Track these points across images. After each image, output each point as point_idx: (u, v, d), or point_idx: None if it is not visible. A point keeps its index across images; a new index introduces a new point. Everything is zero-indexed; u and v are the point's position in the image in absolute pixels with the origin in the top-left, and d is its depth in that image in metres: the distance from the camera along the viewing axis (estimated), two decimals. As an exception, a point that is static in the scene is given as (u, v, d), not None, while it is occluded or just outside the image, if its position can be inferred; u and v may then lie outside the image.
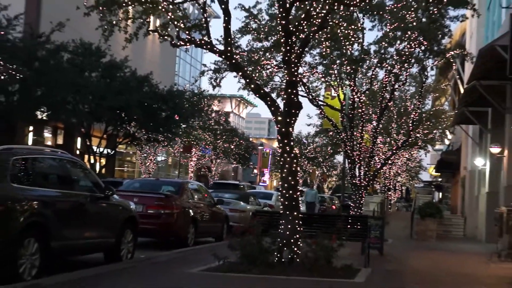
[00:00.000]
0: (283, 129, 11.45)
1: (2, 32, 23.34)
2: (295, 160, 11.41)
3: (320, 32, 14.29)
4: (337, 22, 16.52)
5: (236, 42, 19.45)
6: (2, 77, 21.01)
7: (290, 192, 11.24)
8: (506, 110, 19.27)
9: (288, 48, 11.45)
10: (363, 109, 22.77)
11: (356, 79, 21.57)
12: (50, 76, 24.18)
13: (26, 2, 30.38)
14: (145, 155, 43.41)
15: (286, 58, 11.55)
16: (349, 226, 14.08)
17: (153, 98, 29.29)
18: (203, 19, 12.14)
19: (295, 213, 11.21)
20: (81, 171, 11.27)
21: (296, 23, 11.71)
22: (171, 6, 12.10)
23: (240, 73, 12.79)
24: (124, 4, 11.99)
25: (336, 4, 11.64)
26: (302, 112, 11.94)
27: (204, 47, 12.07)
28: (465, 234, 26.65)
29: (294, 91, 11.65)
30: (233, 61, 12.05)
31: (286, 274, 10.30)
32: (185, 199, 16.48)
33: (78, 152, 33.34)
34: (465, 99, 22.20)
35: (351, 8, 14.31)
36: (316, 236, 11.27)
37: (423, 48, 19.02)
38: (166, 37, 12.34)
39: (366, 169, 22.36)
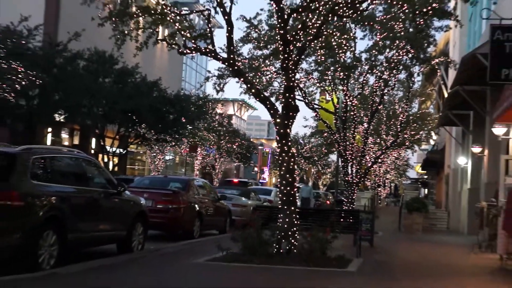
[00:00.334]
0: (282, 131, 11.44)
1: (23, 42, 23.33)
2: (292, 159, 11.40)
3: (315, 41, 14.24)
4: (331, 32, 16.51)
5: (238, 50, 19.42)
6: (23, 83, 20.98)
7: (288, 188, 11.23)
8: (486, 113, 19.25)
9: (286, 55, 11.44)
10: (355, 112, 22.75)
11: (349, 84, 21.54)
12: (67, 81, 24.16)
13: (45, 14, 30.36)
14: (154, 154, 43.38)
15: (284, 65, 11.54)
16: (342, 220, 14.08)
17: (162, 102, 29.26)
18: (208, 29, 12.14)
19: (293, 208, 11.20)
20: (95, 169, 11.27)
21: (293, 33, 11.69)
22: (178, 17, 12.09)
23: (241, 79, 12.78)
24: (135, 15, 11.99)
25: (330, 15, 11.62)
26: (299, 114, 11.91)
27: (209, 55, 12.05)
28: (449, 227, 26.64)
29: (292, 95, 11.64)
30: (235, 67, 12.03)
31: (284, 264, 10.29)
32: (191, 195, 16.47)
33: (92, 151, 33.30)
34: (448, 103, 22.19)
35: (344, 19, 14.30)
36: (312, 229, 11.26)
37: (410, 56, 19.00)
38: (173, 46, 12.32)
39: (358, 167, 22.32)
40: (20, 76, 20.64)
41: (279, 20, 11.43)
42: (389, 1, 11.65)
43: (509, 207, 11.76)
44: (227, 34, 11.69)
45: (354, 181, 21.73)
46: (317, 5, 11.46)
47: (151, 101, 27.93)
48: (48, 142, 30.13)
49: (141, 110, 27.13)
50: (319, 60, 19.82)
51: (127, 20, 11.97)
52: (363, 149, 22.93)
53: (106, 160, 30.00)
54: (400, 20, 16.54)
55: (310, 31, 11.81)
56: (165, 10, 11.86)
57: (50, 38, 26.42)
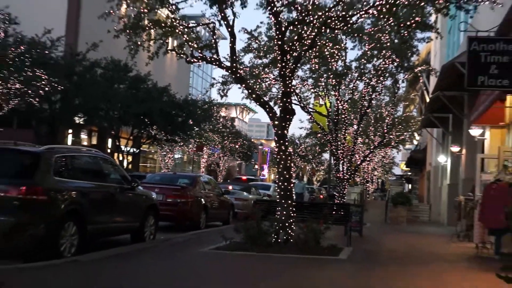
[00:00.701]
0: (279, 132, 11.44)
1: (47, 52, 23.35)
2: (289, 158, 11.40)
3: (310, 51, 14.25)
4: (324, 42, 16.48)
5: (240, 59, 19.36)
6: (46, 89, 21.00)
7: (285, 184, 11.23)
8: (464, 116, 19.27)
9: (283, 64, 11.44)
10: (346, 115, 22.72)
11: (340, 90, 21.51)
12: (86, 88, 24.21)
13: (66, 27, 30.36)
14: (164, 153, 43.34)
15: (282, 72, 11.54)
16: (334, 212, 14.04)
17: (171, 106, 29.26)
18: (213, 40, 12.13)
19: (289, 202, 11.20)
20: (111, 167, 11.27)
21: (290, 44, 11.70)
22: (186, 29, 12.08)
23: (243, 85, 12.78)
24: (147, 28, 11.99)
25: (323, 28, 11.62)
26: (295, 117, 11.91)
27: (214, 63, 12.05)
28: (430, 219, 26.65)
29: (288, 100, 11.64)
30: (238, 75, 12.03)
31: (282, 252, 10.30)
32: (198, 190, 16.47)
33: (109, 150, 33.28)
34: (430, 107, 22.20)
35: (336, 31, 14.28)
36: (307, 221, 11.26)
37: (395, 64, 19.00)
38: (182, 55, 12.31)
39: (348, 164, 22.31)
40: (43, 83, 20.66)
41: (277, 32, 11.43)
42: (376, 15, 11.63)
43: (484, 201, 11.78)
44: (230, 45, 11.69)
45: (345, 177, 21.72)
46: (312, 19, 11.47)
47: (162, 105, 27.96)
48: (69, 142, 30.13)
49: (153, 113, 27.17)
50: (313, 68, 19.82)
51: (140, 32, 11.97)
52: (353, 149, 22.91)
53: (121, 158, 30.00)
54: (386, 32, 16.54)
55: (305, 42, 11.81)
56: (174, 23, 11.85)
57: (71, 49, 26.45)
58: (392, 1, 10.89)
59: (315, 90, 22.43)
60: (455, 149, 21.03)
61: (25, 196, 8.32)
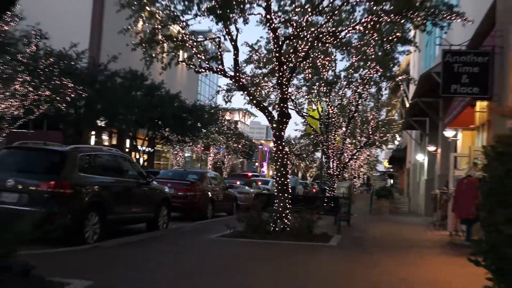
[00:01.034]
0: (277, 133, 11.45)
1: (73, 63, 23.38)
2: (285, 156, 11.41)
3: (304, 62, 14.26)
4: (316, 55, 16.51)
5: (243, 69, 19.36)
6: (72, 96, 21.02)
7: (282, 179, 11.24)
8: (439, 119, 19.28)
9: (280, 73, 11.46)
10: (336, 118, 22.75)
11: (330, 96, 21.55)
12: (107, 95, 24.19)
13: (90, 41, 30.41)
14: (175, 152, 43.31)
15: (279, 81, 11.56)
16: (325, 204, 14.10)
17: (182, 111, 29.24)
18: (218, 53, 12.14)
19: (286, 195, 11.20)
20: (129, 164, 11.28)
21: (286, 56, 11.72)
22: (195, 43, 12.09)
23: (245, 92, 12.78)
24: (160, 42, 11.99)
25: (315, 42, 11.65)
26: (291, 120, 11.94)
27: (219, 73, 12.06)
28: (410, 209, 26.65)
29: (285, 105, 11.65)
30: (240, 83, 12.05)
31: (279, 239, 10.31)
32: (205, 184, 16.49)
33: (127, 150, 33.29)
34: (409, 111, 22.21)
35: (327, 45, 14.30)
36: (301, 212, 11.28)
37: (379, 74, 19.03)
38: (191, 66, 12.32)
39: (338, 162, 22.33)
40: (70, 90, 20.69)
41: (275, 46, 11.45)
42: (362, 30, 11.64)
43: (457, 194, 11.78)
44: (233, 57, 11.71)
45: (335, 173, 21.76)
46: (305, 34, 11.50)
47: (173, 110, 27.96)
48: (92, 142, 30.14)
49: (166, 117, 27.19)
50: (307, 77, 19.84)
51: (154, 46, 11.97)
52: (342, 148, 22.94)
53: (137, 156, 30.03)
54: (371, 45, 16.57)
55: (299, 54, 11.82)
56: (185, 38, 11.87)
57: (94, 60, 26.44)
58: (376, 18, 10.92)
59: (308, 96, 22.47)
60: (432, 148, 21.04)
61: (54, 190, 8.35)
